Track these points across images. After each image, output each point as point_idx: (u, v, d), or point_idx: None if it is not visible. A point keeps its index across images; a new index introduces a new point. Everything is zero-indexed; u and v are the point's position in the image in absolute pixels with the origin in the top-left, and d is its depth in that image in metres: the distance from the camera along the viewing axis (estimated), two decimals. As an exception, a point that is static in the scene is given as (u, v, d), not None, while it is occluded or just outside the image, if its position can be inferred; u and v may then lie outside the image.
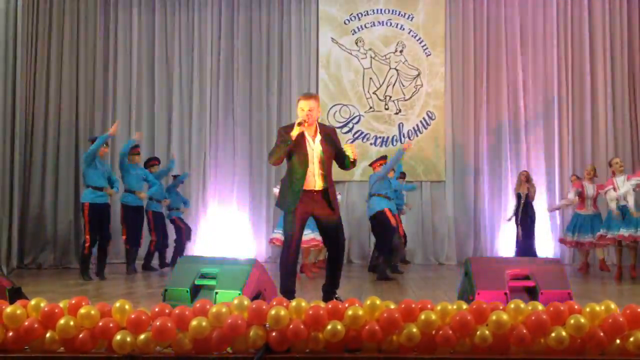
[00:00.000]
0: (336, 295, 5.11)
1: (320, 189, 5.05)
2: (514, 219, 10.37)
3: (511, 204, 10.85)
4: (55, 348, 3.29)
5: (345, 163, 5.17)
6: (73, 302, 3.39)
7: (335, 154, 5.16)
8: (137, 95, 11.68)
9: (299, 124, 4.93)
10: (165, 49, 11.83)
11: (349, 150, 5.06)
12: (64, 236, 10.71)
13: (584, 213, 9.45)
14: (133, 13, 11.74)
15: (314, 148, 5.06)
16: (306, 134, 5.06)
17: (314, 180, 5.03)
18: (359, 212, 11.34)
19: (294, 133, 4.93)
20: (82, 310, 3.28)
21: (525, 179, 10.28)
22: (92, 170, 8.05)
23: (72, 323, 3.26)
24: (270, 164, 5.22)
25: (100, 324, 3.25)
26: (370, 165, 9.33)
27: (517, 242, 10.33)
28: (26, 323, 3.26)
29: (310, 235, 8.17)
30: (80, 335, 3.26)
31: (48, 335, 3.28)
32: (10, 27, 9.28)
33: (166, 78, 11.79)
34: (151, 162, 9.96)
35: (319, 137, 5.09)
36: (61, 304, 3.40)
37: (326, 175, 5.08)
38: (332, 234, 5.15)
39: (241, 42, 11.84)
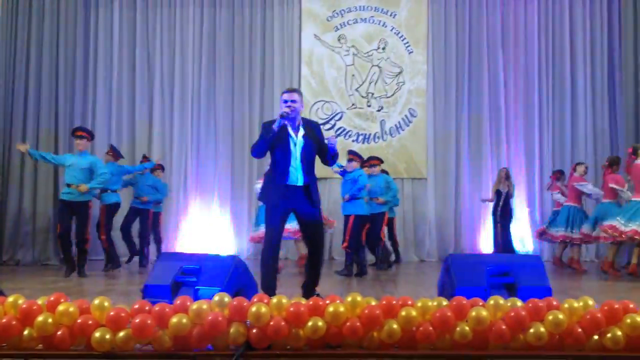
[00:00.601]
0: (316, 293, 5.10)
1: (302, 184, 5.05)
2: (492, 216, 10.51)
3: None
4: (34, 345, 3.26)
5: (327, 158, 5.17)
6: (51, 299, 3.36)
7: (318, 150, 5.16)
8: (117, 93, 11.56)
9: (281, 115, 4.92)
10: (146, 45, 11.72)
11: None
12: (42, 233, 10.60)
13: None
14: (114, 10, 11.60)
15: (297, 143, 5.05)
16: (289, 129, 5.04)
17: (296, 176, 5.03)
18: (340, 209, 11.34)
19: (276, 125, 4.93)
20: (61, 307, 3.25)
21: (505, 176, 10.39)
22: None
23: (50, 320, 3.23)
24: (253, 157, 5.19)
25: (79, 321, 3.23)
26: (362, 165, 9.01)
27: (495, 238, 10.45)
28: (4, 320, 3.22)
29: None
30: (59, 333, 3.23)
31: (26, 332, 3.24)
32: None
33: (147, 75, 11.68)
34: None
35: (301, 132, 5.08)
36: (39, 301, 3.37)
37: (308, 171, 5.07)
38: (312, 231, 5.15)
39: (223, 39, 11.78)
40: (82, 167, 7.94)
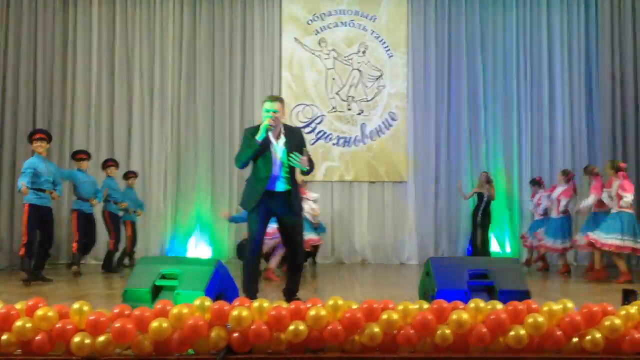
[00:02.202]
0: (296, 297, 5.10)
1: (282, 190, 5.05)
2: (471, 219, 10.62)
3: (470, 204, 11.04)
4: (12, 350, 3.22)
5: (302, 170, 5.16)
6: (30, 303, 3.32)
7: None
8: (96, 93, 11.46)
9: (266, 130, 4.91)
10: (125, 45, 11.64)
11: (298, 160, 4.98)
12: (18, 237, 10.46)
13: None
14: (93, 8, 11.52)
15: (277, 150, 5.05)
16: (270, 136, 5.03)
17: (277, 182, 5.03)
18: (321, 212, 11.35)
19: (260, 137, 4.92)
20: (39, 312, 3.22)
21: (486, 180, 10.48)
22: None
23: (28, 325, 3.19)
24: (237, 167, 5.18)
25: (58, 325, 3.19)
26: None
27: (474, 241, 10.53)
28: (-19, 325, 3.18)
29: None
30: (38, 338, 3.19)
31: (4, 337, 3.20)
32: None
33: (127, 75, 11.60)
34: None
35: (282, 139, 5.07)
36: (17, 306, 3.33)
37: (289, 178, 5.08)
38: (292, 236, 5.18)
39: (203, 42, 11.74)
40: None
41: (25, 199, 7.61)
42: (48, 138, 7.91)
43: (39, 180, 7.64)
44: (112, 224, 9.56)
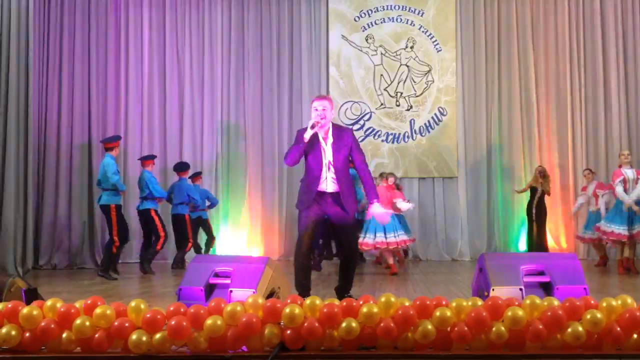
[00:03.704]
0: (349, 295, 5.09)
1: (332, 191, 5.04)
2: (526, 215, 10.40)
3: (524, 199, 10.82)
4: (72, 348, 3.31)
5: (360, 173, 5.15)
6: (89, 302, 3.40)
7: (350, 156, 5.12)
8: (148, 95, 11.67)
9: (312, 127, 4.93)
10: (176, 47, 11.82)
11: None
12: (78, 237, 10.78)
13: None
14: (144, 12, 11.73)
15: (326, 151, 5.05)
16: (319, 136, 5.04)
17: (326, 183, 5.03)
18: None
19: (307, 135, 4.93)
20: (98, 310, 3.29)
21: (541, 175, 10.24)
22: None
23: (88, 323, 3.26)
24: (286, 165, 5.22)
25: (116, 323, 3.26)
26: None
27: (530, 237, 10.31)
28: (43, 324, 3.27)
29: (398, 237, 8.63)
30: (96, 335, 3.27)
31: (64, 335, 3.29)
32: (22, 27, 9.31)
33: (177, 77, 11.78)
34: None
35: (330, 139, 5.06)
36: (77, 304, 3.41)
37: (340, 178, 5.05)
38: (344, 237, 5.18)
39: (251, 41, 11.84)
40: None
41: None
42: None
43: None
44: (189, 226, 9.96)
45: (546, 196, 10.29)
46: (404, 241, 8.88)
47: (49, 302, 3.40)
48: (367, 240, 8.50)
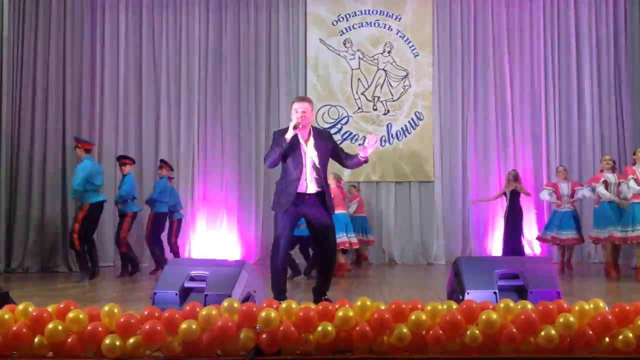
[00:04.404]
0: (326, 297, 5.10)
1: (313, 192, 5.07)
2: (503, 218, 10.45)
3: (499, 203, 10.94)
4: (44, 353, 3.27)
5: (347, 163, 5.23)
6: (61, 306, 3.36)
7: (332, 156, 5.23)
8: (124, 98, 11.56)
9: (294, 127, 4.94)
10: (152, 50, 11.74)
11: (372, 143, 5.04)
12: (50, 240, 10.63)
13: (561, 210, 9.52)
14: (120, 14, 11.62)
15: (307, 152, 5.07)
16: (299, 137, 5.06)
17: (307, 184, 5.05)
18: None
19: (288, 135, 4.96)
20: (71, 315, 3.26)
21: (514, 178, 10.33)
22: None
23: (60, 327, 3.23)
24: (266, 167, 5.24)
25: (89, 328, 3.23)
26: None
27: (505, 241, 10.36)
28: (14, 328, 3.23)
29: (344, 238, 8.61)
30: (69, 340, 3.23)
31: (36, 340, 3.25)
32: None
33: (154, 79, 11.70)
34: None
35: (312, 141, 5.10)
36: (49, 308, 3.38)
37: (320, 179, 5.09)
38: (323, 237, 5.17)
39: (229, 44, 11.80)
40: None
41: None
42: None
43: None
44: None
45: (521, 200, 10.35)
46: (355, 242, 9.10)
47: (20, 306, 3.35)
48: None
